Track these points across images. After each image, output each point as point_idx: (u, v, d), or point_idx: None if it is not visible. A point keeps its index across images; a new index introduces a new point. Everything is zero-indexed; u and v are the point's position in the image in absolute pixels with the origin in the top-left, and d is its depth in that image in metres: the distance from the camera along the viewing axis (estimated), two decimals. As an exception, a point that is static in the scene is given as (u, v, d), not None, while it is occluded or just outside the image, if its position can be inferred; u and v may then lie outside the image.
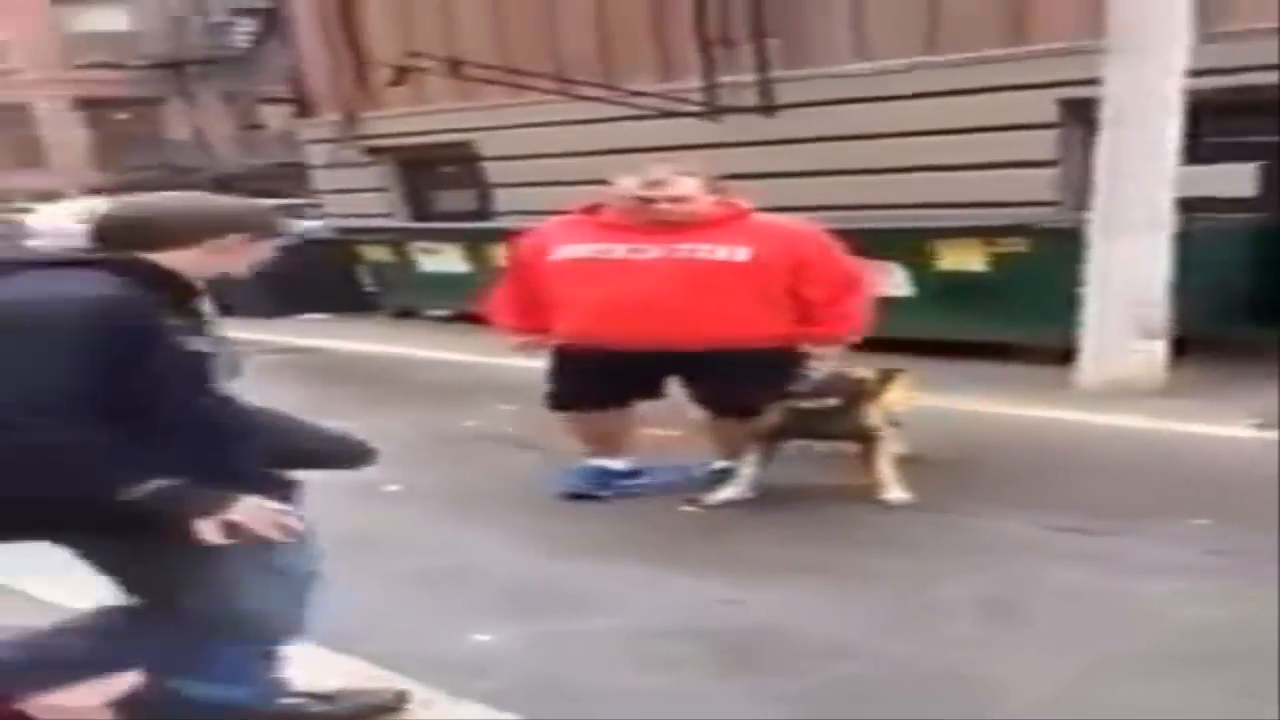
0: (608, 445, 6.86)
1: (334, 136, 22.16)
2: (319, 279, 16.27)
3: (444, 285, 15.34)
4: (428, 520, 6.78)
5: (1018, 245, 10.29)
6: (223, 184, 39.09)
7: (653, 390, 6.69)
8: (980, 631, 4.87)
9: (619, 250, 6.27)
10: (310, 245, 17.20)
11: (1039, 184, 14.43)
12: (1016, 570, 5.50)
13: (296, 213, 25.29)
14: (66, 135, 46.58)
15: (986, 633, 4.85)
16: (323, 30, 22.57)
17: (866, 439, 6.47)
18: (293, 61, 24.53)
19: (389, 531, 6.50)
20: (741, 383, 6.32)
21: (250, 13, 39.52)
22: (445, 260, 15.45)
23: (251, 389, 3.70)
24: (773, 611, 5.12)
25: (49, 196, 40.03)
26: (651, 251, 6.22)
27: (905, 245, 11.01)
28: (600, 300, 6.27)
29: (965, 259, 10.56)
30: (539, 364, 7.10)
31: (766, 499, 6.56)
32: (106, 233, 3.31)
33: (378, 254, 16.39)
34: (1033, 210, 12.73)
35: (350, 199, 21.67)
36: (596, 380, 6.52)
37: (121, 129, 46.50)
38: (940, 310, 10.84)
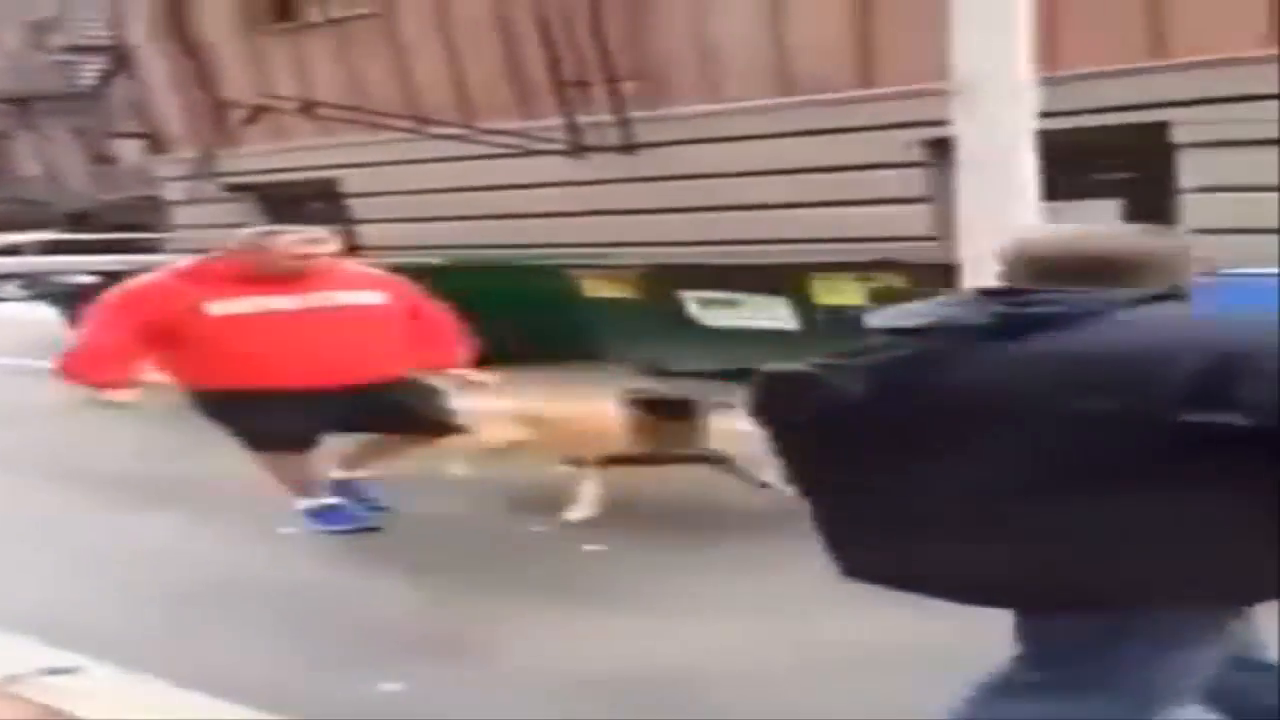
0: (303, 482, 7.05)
1: (191, 173, 21.99)
2: None
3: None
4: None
5: (894, 280, 10.32)
6: (77, 218, 38.59)
7: (335, 427, 6.97)
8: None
9: (279, 301, 6.55)
10: None
11: (913, 220, 14.78)
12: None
13: (156, 247, 25.14)
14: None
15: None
16: (172, 69, 22.50)
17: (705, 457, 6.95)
18: (142, 97, 24.30)
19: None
20: (411, 405, 6.97)
21: (93, 50, 38.99)
22: None
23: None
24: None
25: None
26: (308, 300, 6.59)
27: (785, 280, 11.08)
28: (281, 348, 6.52)
29: (843, 294, 10.66)
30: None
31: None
32: (1050, 267, 2.75)
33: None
34: (908, 246, 12.90)
35: (213, 234, 21.55)
36: (287, 421, 6.65)
37: (-32, 162, 45.51)
38: (825, 344, 10.97)
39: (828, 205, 15.49)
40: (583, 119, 17.74)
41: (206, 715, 4.30)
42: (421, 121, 18.39)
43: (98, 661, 4.66)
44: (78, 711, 4.21)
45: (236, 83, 20.91)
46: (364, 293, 6.83)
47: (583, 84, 17.62)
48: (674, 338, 11.59)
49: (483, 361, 7.32)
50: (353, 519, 6.95)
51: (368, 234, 20.01)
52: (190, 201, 22.32)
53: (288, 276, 6.58)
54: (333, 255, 6.86)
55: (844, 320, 10.82)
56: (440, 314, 7.21)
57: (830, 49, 15.77)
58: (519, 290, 13.04)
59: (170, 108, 23.01)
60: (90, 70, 39.65)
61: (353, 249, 19.74)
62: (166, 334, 6.50)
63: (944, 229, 14.26)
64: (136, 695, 4.44)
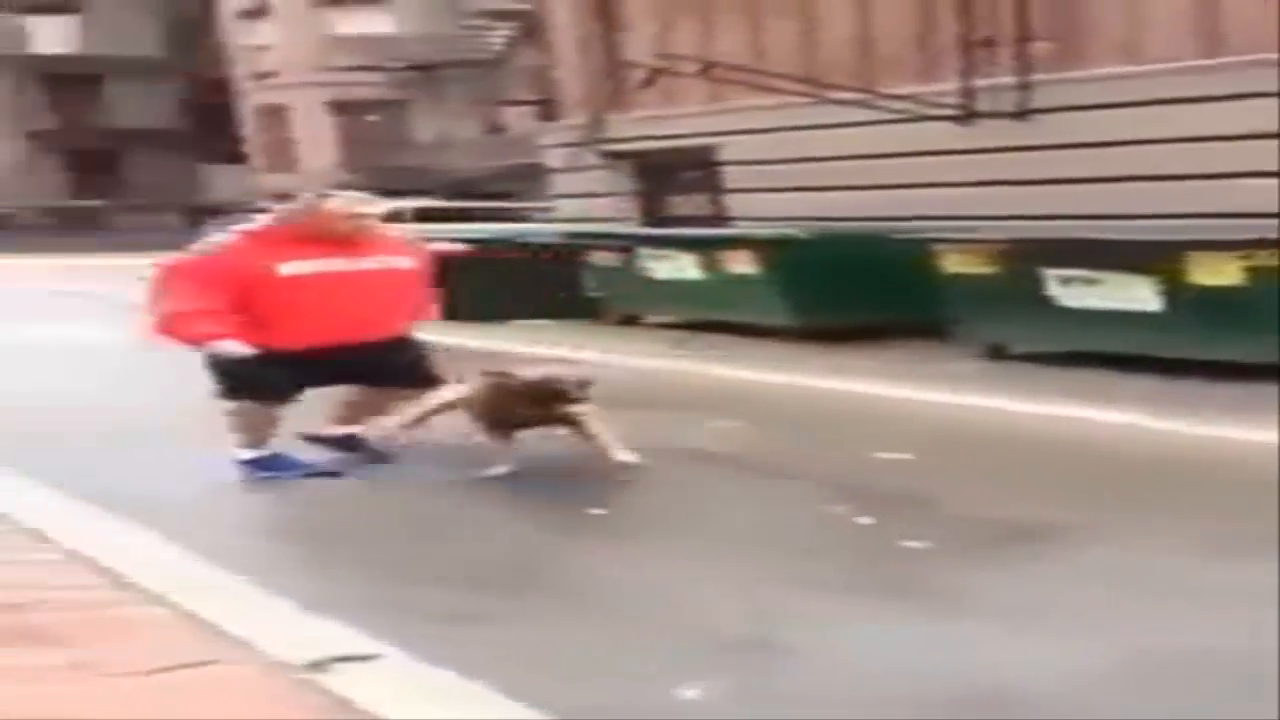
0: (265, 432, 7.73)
1: (576, 140, 22.26)
2: (544, 284, 16.37)
3: (673, 292, 15.31)
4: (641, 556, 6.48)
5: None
6: (462, 186, 39.84)
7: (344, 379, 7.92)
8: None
9: (337, 264, 7.55)
10: (539, 249, 17.41)
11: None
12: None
13: (528, 216, 25.61)
14: (319, 137, 48.01)
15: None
16: (578, 33, 22.78)
17: (570, 423, 7.76)
18: (544, 64, 24.77)
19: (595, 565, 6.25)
20: (411, 360, 8.03)
21: (508, 16, 40.09)
22: (675, 267, 15.34)
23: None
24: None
25: (292, 196, 41.41)
26: (365, 263, 7.67)
27: (1153, 258, 10.48)
28: (334, 307, 7.52)
29: (1220, 274, 9.96)
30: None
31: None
32: None
33: (606, 260, 16.35)
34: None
35: (584, 203, 21.78)
36: (305, 373, 7.57)
37: (370, 131, 47.67)
38: (1191, 328, 10.31)
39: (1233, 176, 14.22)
40: (980, 82, 16.85)
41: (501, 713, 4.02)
42: (820, 86, 17.88)
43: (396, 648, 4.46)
44: (371, 703, 4.02)
45: (641, 44, 20.87)
46: (400, 258, 7.98)
47: (990, 43, 16.74)
48: (1027, 318, 11.41)
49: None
50: (298, 466, 7.66)
51: (740, 203, 19.75)
52: (567, 169, 22.50)
53: (343, 240, 7.59)
54: (381, 220, 7.95)
55: (1215, 303, 10.01)
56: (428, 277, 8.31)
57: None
58: (876, 263, 13.43)
59: (570, 73, 23.23)
60: (498, 37, 40.88)
61: (720, 218, 19.67)
62: (244, 292, 7.36)
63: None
64: (430, 685, 4.23)
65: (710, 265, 14.82)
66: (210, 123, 53.32)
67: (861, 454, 8.12)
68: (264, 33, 49.16)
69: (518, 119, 38.82)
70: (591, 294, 16.61)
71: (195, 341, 7.48)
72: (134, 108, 57.04)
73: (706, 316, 15.02)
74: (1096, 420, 8.94)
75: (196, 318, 7.39)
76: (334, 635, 4.59)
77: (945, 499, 6.97)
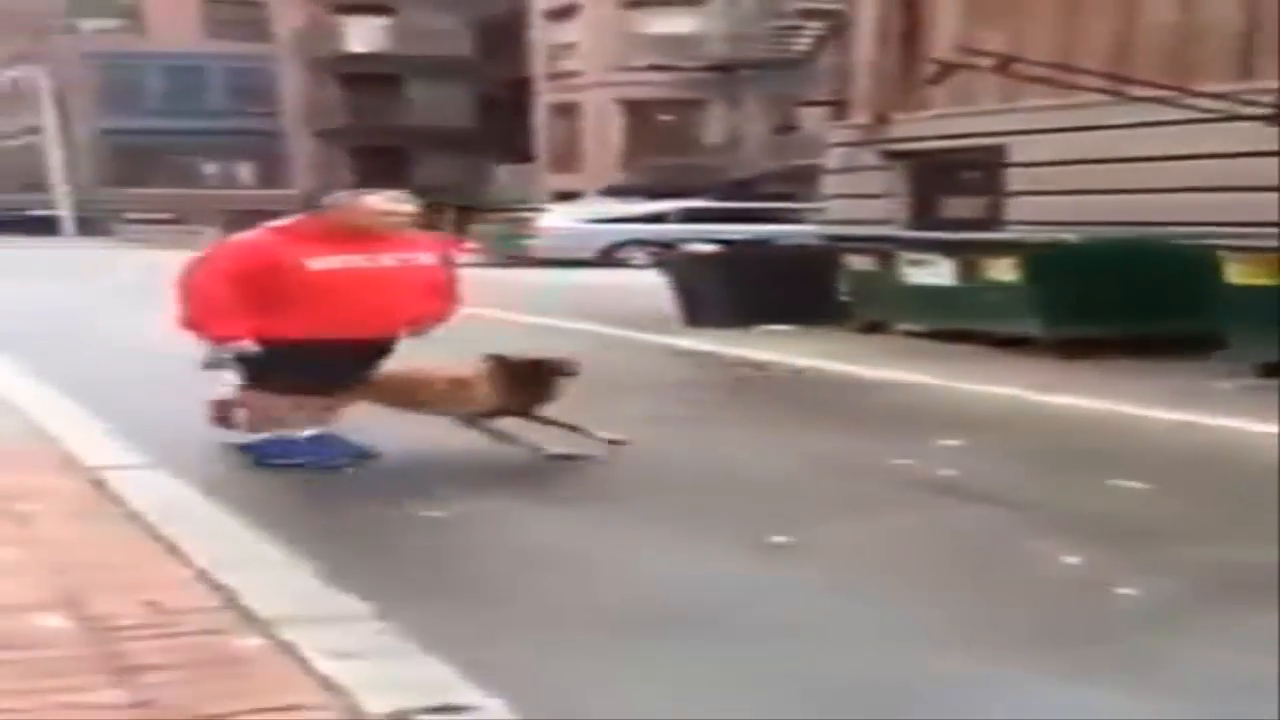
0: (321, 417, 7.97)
1: (857, 139, 21.59)
2: (793, 288, 15.73)
3: (926, 299, 14.57)
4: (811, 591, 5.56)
5: None
6: (739, 186, 39.45)
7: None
8: None
9: (360, 260, 7.72)
10: (791, 252, 16.66)
11: None
12: None
13: (793, 217, 24.86)
14: (607, 137, 48.15)
15: None
16: (882, 29, 22.09)
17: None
18: (843, 62, 24.19)
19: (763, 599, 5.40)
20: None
21: (818, 15, 39.56)
22: (933, 272, 14.44)
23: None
24: None
25: (573, 196, 41.61)
26: (386, 260, 7.83)
27: None
28: (360, 302, 7.67)
29: None
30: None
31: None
32: None
33: (862, 263, 15.51)
34: None
35: (855, 204, 20.99)
36: (329, 367, 7.76)
37: (660, 132, 47.62)
38: None
39: None
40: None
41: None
42: (1126, 83, 16.76)
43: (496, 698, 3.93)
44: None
45: (943, 40, 20.02)
46: (423, 254, 8.11)
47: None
48: None
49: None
50: (306, 453, 7.78)
51: (1020, 207, 18.99)
52: (843, 170, 21.78)
53: (371, 236, 7.80)
54: (409, 217, 8.06)
55: None
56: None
57: None
58: (1146, 272, 12.74)
59: (863, 70, 22.59)
60: (805, 37, 40.41)
61: (995, 222, 18.64)
62: (272, 287, 7.58)
63: None
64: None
65: (968, 271, 14.06)
66: (504, 122, 54.04)
67: (1089, 480, 7.35)
68: (569, 32, 49.67)
69: (811, 120, 38.16)
70: (843, 299, 15.65)
71: (216, 340, 7.68)
72: (431, 107, 58.26)
73: (956, 325, 14.23)
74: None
75: (215, 312, 7.65)
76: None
77: (1177, 537, 6.14)
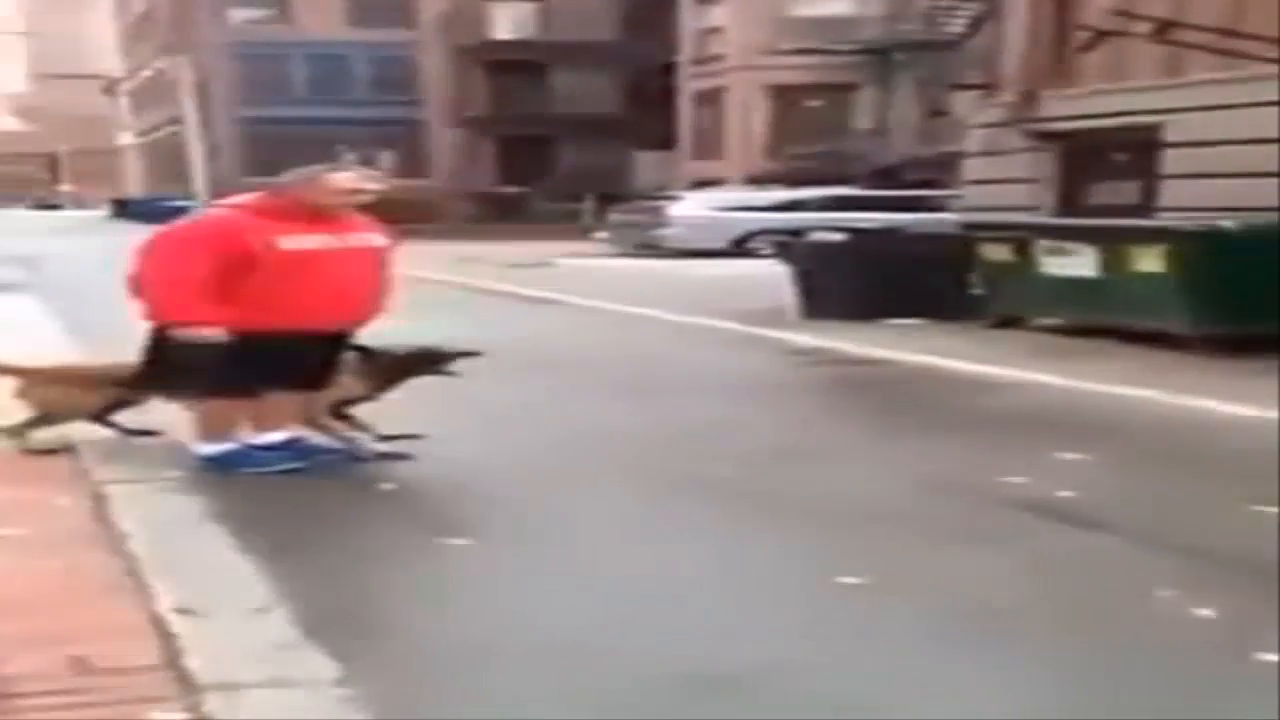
0: (280, 422, 7.32)
1: (1002, 119, 20.65)
2: (920, 279, 14.88)
3: (1065, 291, 13.56)
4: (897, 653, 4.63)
5: None
6: (885, 173, 38.41)
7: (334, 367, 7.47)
8: None
9: (329, 240, 7.11)
10: (919, 241, 15.72)
11: None
12: None
13: (939, 205, 23.82)
14: (751, 123, 47.33)
15: None
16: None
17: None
18: (995, 41, 23.19)
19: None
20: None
21: (979, -6, 38.52)
22: (1074, 263, 13.40)
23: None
24: None
25: (714, 184, 40.85)
26: (350, 240, 7.22)
27: None
28: (334, 287, 7.09)
29: None
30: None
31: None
32: None
33: (997, 253, 14.48)
34: None
35: (996, 190, 19.93)
36: (299, 362, 7.20)
37: (806, 117, 46.68)
38: None
39: None
40: None
41: None
42: None
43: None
44: None
45: (1100, 7, 18.82)
46: (377, 235, 7.46)
47: None
48: None
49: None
50: (276, 458, 7.15)
51: (1177, 191, 17.82)
52: (984, 153, 20.74)
53: (334, 216, 7.19)
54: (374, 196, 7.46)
55: None
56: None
57: None
58: None
59: (1012, 46, 21.56)
60: (962, 16, 39.43)
61: (1145, 208, 17.52)
62: (243, 270, 6.91)
63: None
64: None
65: (1111, 261, 12.95)
66: (649, 109, 53.48)
67: (1234, 507, 6.32)
68: (717, 16, 48.97)
69: (964, 104, 37.10)
70: (976, 292, 14.67)
71: (175, 322, 6.97)
72: (576, 94, 57.82)
73: (1097, 320, 13.18)
74: None
75: (179, 296, 6.94)
76: None
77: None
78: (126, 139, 78.38)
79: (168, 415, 7.72)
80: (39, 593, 5.02)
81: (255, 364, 6.99)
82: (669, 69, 51.40)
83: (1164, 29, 16.44)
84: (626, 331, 15.35)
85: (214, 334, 6.85)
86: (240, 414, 7.23)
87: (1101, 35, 17.44)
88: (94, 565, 5.35)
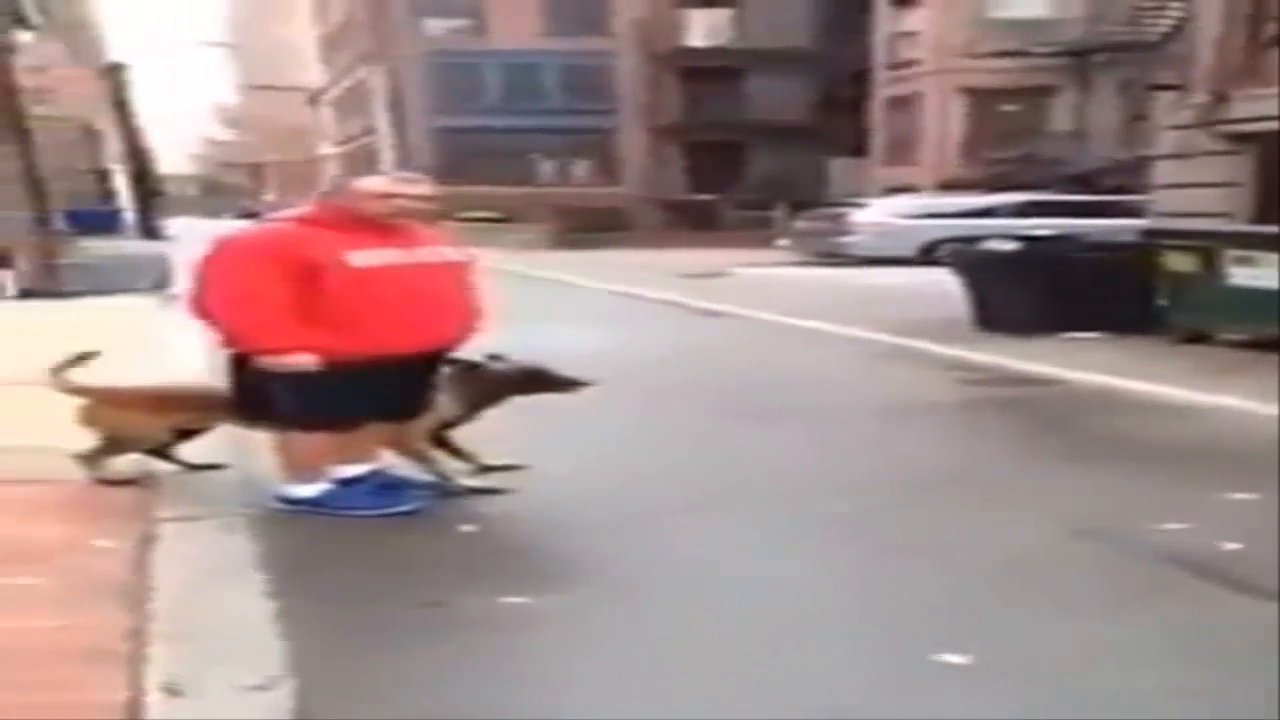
0: (367, 453, 6.80)
1: (1192, 121, 19.52)
2: (1100, 291, 13.89)
3: (1255, 304, 12.51)
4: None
5: None
6: (1080, 179, 37.16)
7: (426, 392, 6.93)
8: None
9: (399, 255, 6.49)
10: (1100, 250, 14.86)
11: None
12: None
13: (1136, 211, 22.73)
14: (946, 128, 46.34)
15: None
16: None
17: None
18: (1190, 39, 22.12)
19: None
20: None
21: (1179, -6, 37.36)
22: (1264, 274, 12.45)
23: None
24: None
25: (909, 190, 39.94)
26: (423, 255, 6.61)
27: None
28: (413, 307, 6.48)
29: None
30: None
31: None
32: None
33: (1182, 262, 13.53)
34: None
35: (1190, 194, 18.85)
36: (389, 390, 6.59)
37: (1003, 121, 45.54)
38: None
39: None
40: None
41: None
42: None
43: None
44: None
45: None
46: (453, 249, 6.87)
47: None
48: None
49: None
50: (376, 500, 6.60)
51: None
52: (1175, 156, 19.68)
53: (396, 228, 6.58)
54: (427, 202, 6.78)
55: None
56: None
57: None
58: None
59: (1205, 40, 20.44)
60: (1168, 17, 38.40)
61: None
62: (319, 289, 6.29)
63: None
64: None
65: None
66: (841, 115, 52.68)
67: None
68: (913, 20, 48.10)
69: (1160, 106, 35.88)
70: (1161, 304, 13.70)
71: (262, 352, 6.34)
72: (770, 101, 57.09)
73: (1289, 335, 12.07)
74: None
75: (262, 319, 6.30)
76: None
77: None
78: (326, 148, 79.63)
79: (239, 443, 7.18)
80: (5, 661, 4.43)
81: (346, 393, 6.39)
82: (862, 75, 50.66)
83: None
84: (784, 345, 14.70)
85: (303, 360, 6.27)
86: (330, 448, 6.63)
87: None
88: (95, 626, 4.74)
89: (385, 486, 6.69)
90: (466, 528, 6.29)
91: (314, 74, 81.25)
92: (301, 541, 6.04)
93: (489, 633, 4.87)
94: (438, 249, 6.74)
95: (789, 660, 4.57)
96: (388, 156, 55.41)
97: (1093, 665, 4.49)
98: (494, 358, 7.17)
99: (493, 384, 7.14)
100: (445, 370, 6.97)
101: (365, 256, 6.39)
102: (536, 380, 7.26)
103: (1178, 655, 4.64)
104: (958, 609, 5.12)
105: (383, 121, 55.86)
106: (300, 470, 6.60)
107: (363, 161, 61.07)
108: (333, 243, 6.38)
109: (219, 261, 6.44)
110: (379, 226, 6.51)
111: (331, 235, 6.42)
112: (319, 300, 6.30)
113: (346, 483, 6.61)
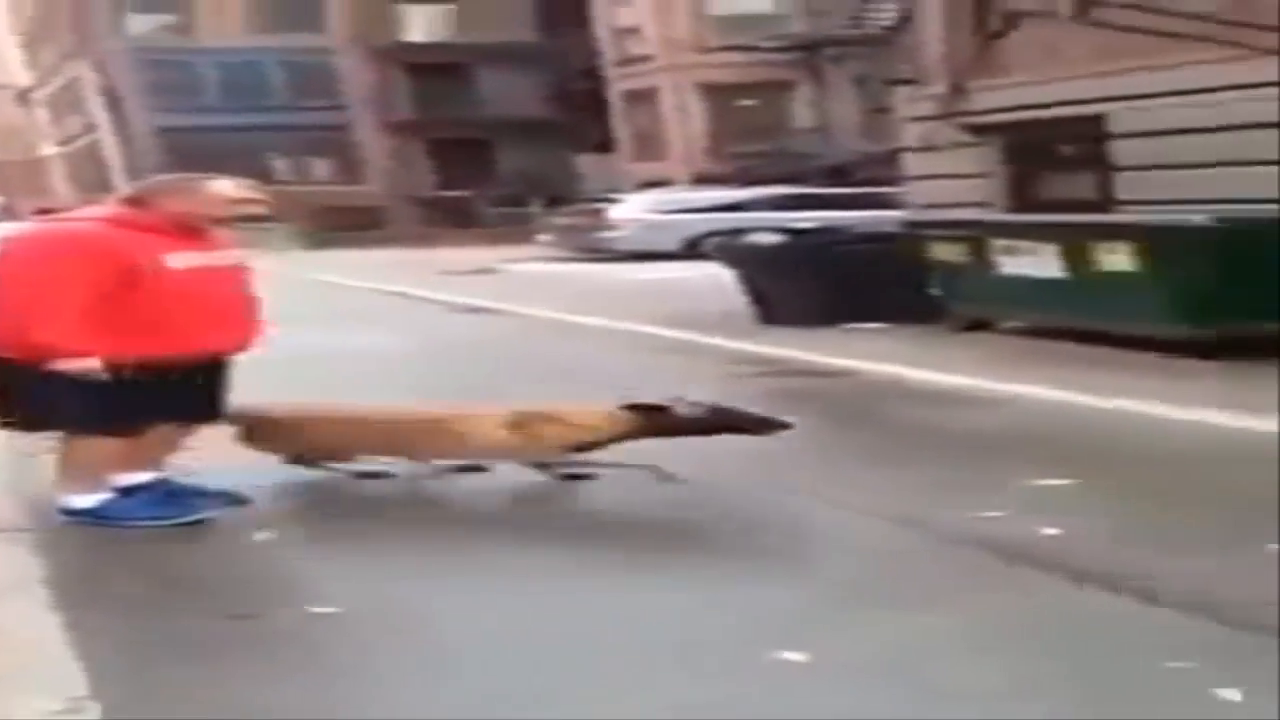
0: (151, 462, 6.67)
1: (933, 113, 20.00)
2: (874, 282, 14.27)
3: (1029, 293, 12.94)
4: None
5: None
6: (834, 171, 38.02)
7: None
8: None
9: (207, 257, 6.49)
10: (869, 243, 15.23)
11: None
12: None
13: (893, 203, 23.30)
14: (689, 123, 46.88)
15: None
16: None
17: None
18: (917, 32, 22.63)
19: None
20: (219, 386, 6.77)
21: (899, -13, 38.32)
22: (1034, 262, 12.85)
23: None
24: None
25: (661, 184, 40.38)
26: (223, 257, 6.62)
27: None
28: (216, 310, 6.47)
29: None
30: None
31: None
32: None
33: (951, 252, 13.90)
34: None
35: (942, 186, 19.35)
36: (177, 393, 6.46)
37: (745, 116, 46.27)
38: None
39: None
40: None
41: None
42: (1242, 28, 14.94)
43: None
44: None
45: None
46: (238, 252, 6.83)
47: None
48: None
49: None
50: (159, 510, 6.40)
51: (1133, 184, 17.05)
52: (923, 149, 20.21)
53: (203, 231, 6.56)
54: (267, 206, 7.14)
55: None
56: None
57: None
58: None
59: (933, 32, 20.96)
60: (887, 11, 39.36)
61: (1105, 203, 17.22)
62: (119, 288, 6.22)
63: None
64: None
65: (1078, 260, 12.31)
66: (580, 111, 52.83)
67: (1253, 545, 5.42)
68: (631, 15, 48.40)
69: (904, 100, 36.94)
70: (934, 294, 14.13)
71: (47, 352, 6.13)
72: (505, 97, 56.86)
73: (1069, 323, 12.57)
74: None
75: (54, 321, 6.12)
76: None
77: None
78: (49, 148, 76.91)
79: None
80: None
81: (138, 397, 6.25)
82: (593, 70, 50.79)
83: (1085, 9, 15.56)
84: (563, 342, 14.68)
85: (90, 364, 6.09)
86: (114, 455, 6.45)
87: (1015, 18, 16.77)
88: None
89: (170, 495, 6.53)
90: (262, 536, 6.18)
91: (17, 71, 78.25)
92: (87, 556, 5.86)
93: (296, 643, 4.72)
94: (230, 251, 6.75)
95: None
96: (113, 157, 53.70)
97: (933, 659, 4.39)
98: (678, 400, 7.04)
99: (680, 427, 6.96)
100: (625, 413, 6.95)
101: (181, 259, 6.35)
102: (726, 421, 7.03)
103: (1025, 645, 4.59)
104: (777, 609, 4.96)
105: (103, 120, 54.12)
106: (80, 479, 6.40)
107: (88, 161, 59.22)
108: (149, 245, 6.32)
109: (10, 261, 6.38)
110: (188, 229, 6.47)
111: (146, 237, 6.35)
112: (130, 302, 6.21)
113: (128, 491, 6.44)
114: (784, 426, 7.05)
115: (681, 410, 6.94)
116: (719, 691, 4.12)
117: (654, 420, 6.90)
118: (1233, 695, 3.91)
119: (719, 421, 6.98)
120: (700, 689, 4.14)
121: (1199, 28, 15.18)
